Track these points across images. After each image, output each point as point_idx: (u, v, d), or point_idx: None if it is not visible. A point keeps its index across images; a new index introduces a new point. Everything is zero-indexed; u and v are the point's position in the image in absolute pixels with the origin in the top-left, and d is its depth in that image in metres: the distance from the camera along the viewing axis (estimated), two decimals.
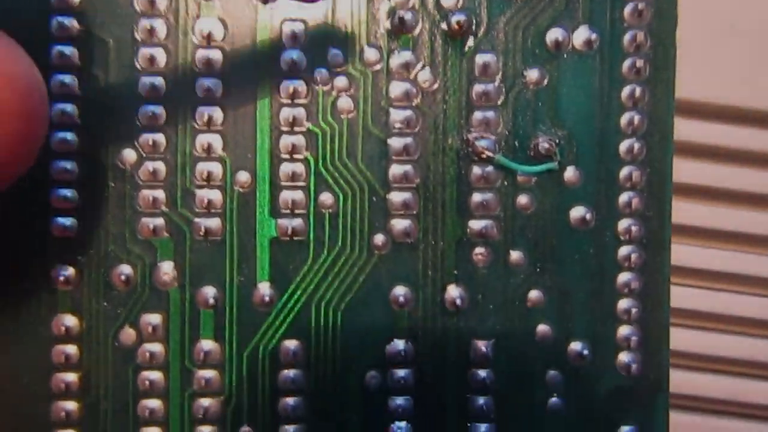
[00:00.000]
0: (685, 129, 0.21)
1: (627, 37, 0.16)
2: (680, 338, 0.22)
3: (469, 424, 0.16)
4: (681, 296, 0.23)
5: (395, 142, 0.16)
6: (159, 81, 0.16)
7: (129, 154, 0.16)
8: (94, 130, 0.16)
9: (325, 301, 0.16)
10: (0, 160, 0.12)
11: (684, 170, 0.22)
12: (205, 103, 0.16)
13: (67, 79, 0.16)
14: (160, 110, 0.16)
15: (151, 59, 0.16)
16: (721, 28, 0.22)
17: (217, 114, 0.16)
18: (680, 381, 0.22)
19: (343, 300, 0.16)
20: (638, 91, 0.16)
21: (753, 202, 0.23)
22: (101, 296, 0.16)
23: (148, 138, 0.16)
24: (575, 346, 0.17)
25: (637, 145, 0.16)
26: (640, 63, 0.16)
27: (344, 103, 0.16)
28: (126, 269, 0.16)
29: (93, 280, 0.16)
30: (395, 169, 0.16)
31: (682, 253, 0.23)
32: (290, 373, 0.16)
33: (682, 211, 0.23)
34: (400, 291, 0.16)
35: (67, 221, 0.16)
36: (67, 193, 0.16)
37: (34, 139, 0.13)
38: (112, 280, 0.16)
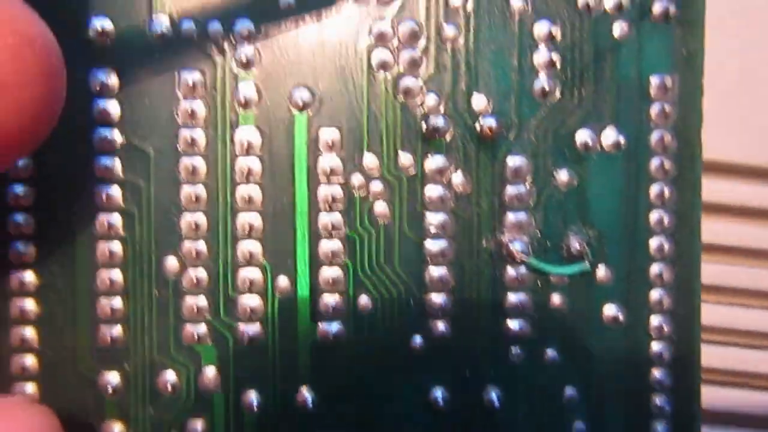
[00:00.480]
0: (712, 188, 0.21)
1: (654, 138, 0.17)
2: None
3: None
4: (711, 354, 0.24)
5: (431, 246, 0.17)
6: (200, 190, 0.16)
7: (172, 263, 0.16)
8: (138, 240, 0.16)
9: (366, 403, 0.17)
10: (24, 126, 0.12)
11: (712, 229, 0.23)
12: (245, 210, 0.16)
13: (111, 190, 0.16)
14: (201, 219, 0.16)
15: (193, 170, 0.16)
16: (747, 87, 0.23)
17: (257, 221, 0.16)
18: None
19: (384, 402, 0.17)
20: (666, 190, 0.17)
21: None
22: (148, 403, 0.16)
23: (190, 247, 0.16)
24: None
25: (666, 244, 0.17)
26: (667, 163, 0.17)
27: (380, 207, 0.17)
28: (171, 376, 0.16)
29: (139, 387, 0.16)
30: (432, 272, 0.17)
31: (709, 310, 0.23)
32: None
33: (710, 270, 0.23)
34: (438, 392, 0.17)
35: (114, 330, 0.16)
36: (114, 302, 0.16)
37: (56, 99, 0.13)
38: (158, 386, 0.16)
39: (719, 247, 0.23)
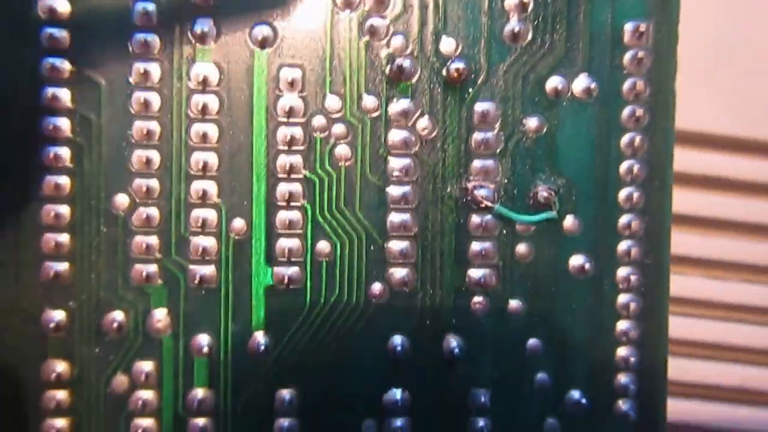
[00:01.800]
0: (682, 159, 0.21)
1: (626, 85, 0.16)
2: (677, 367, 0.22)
3: None
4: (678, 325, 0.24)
5: (393, 191, 0.16)
6: (153, 125, 0.16)
7: (122, 199, 0.16)
8: (87, 174, 0.16)
9: (321, 350, 0.16)
10: None
11: (681, 200, 0.22)
12: (200, 148, 0.16)
13: (59, 121, 0.15)
14: (154, 155, 0.16)
15: (145, 103, 0.16)
16: (717, 58, 0.22)
17: (213, 160, 0.16)
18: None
19: (339, 349, 0.16)
20: (637, 139, 0.16)
21: (752, 231, 0.23)
22: (93, 342, 0.16)
23: (141, 183, 0.16)
24: (573, 394, 0.16)
25: (636, 194, 0.16)
26: (639, 111, 0.16)
27: (342, 150, 0.16)
28: (118, 316, 0.16)
29: (84, 326, 0.16)
30: (393, 218, 0.16)
31: (679, 281, 0.23)
32: (285, 422, 0.16)
33: (683, 245, 0.23)
34: (397, 340, 0.16)
35: (59, 266, 0.15)
36: (59, 237, 0.15)
37: None
38: (104, 326, 0.16)
39: (688, 218, 0.23)
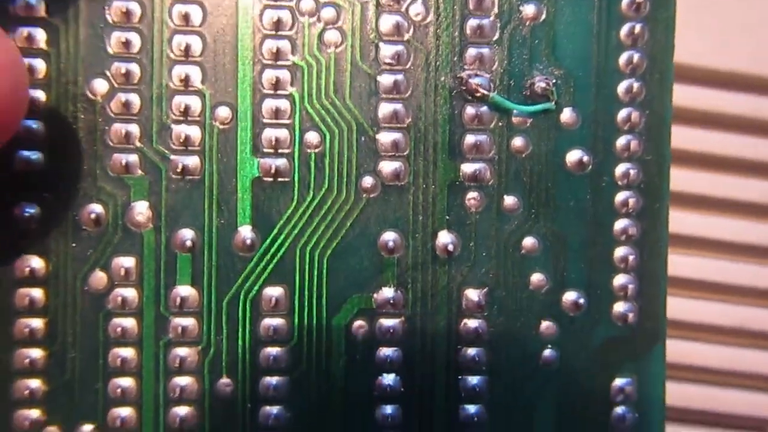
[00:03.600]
0: (681, 95, 0.20)
1: None
2: (677, 308, 0.22)
3: (459, 377, 0.16)
4: (678, 264, 0.23)
5: (385, 79, 0.15)
6: (132, 5, 0.15)
7: (100, 84, 0.15)
8: (62, 57, 0.15)
9: (309, 246, 0.15)
10: None
11: (681, 138, 0.22)
12: (182, 31, 0.15)
13: (33, 0, 0.15)
14: (134, 37, 0.15)
15: None
16: None
17: (196, 43, 0.15)
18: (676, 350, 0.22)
19: (329, 245, 0.15)
20: (638, 29, 0.16)
21: (752, 172, 0.23)
22: (69, 237, 0.15)
23: (120, 67, 0.15)
24: (570, 295, 0.16)
25: (636, 86, 0.16)
26: None
27: (331, 35, 0.15)
28: (96, 208, 0.15)
29: (60, 219, 0.15)
30: (385, 108, 0.15)
31: (679, 222, 0.23)
32: (272, 321, 0.15)
33: (681, 180, 0.23)
34: (389, 236, 0.15)
35: (33, 155, 0.15)
36: (33, 124, 0.15)
37: (8, 127, 0.13)
38: (82, 219, 0.15)
39: (687, 155, 0.23)
